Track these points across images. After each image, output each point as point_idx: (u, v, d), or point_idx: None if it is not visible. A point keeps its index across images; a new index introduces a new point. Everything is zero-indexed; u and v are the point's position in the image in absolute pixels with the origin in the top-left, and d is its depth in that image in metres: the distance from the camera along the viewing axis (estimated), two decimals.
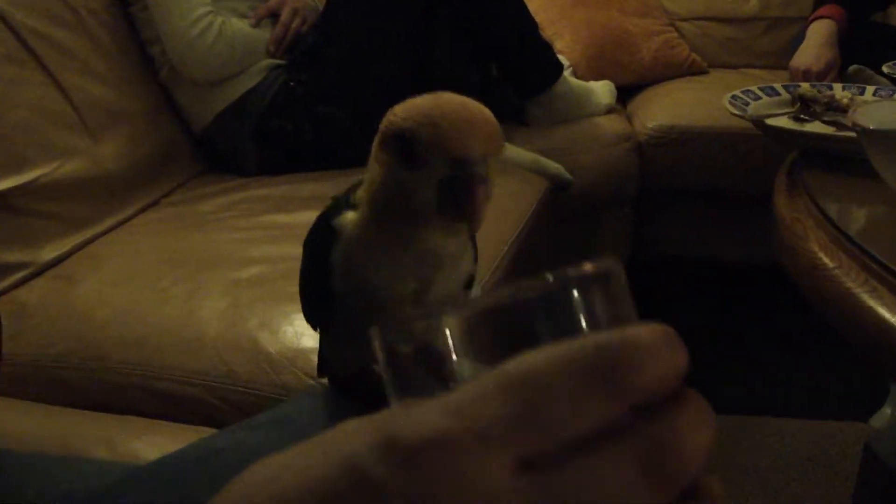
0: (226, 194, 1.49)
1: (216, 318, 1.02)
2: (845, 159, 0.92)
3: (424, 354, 0.25)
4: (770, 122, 1.00)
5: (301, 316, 1.05)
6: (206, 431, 0.92)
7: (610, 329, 0.25)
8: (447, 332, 0.25)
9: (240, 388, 0.94)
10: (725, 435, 1.62)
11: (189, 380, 0.95)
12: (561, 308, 0.26)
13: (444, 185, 0.43)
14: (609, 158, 1.90)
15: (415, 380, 0.26)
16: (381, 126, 0.46)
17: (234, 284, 1.11)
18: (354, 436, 0.22)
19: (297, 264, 1.19)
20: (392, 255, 0.46)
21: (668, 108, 2.02)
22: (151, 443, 0.87)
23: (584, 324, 0.26)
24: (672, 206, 2.02)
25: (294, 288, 1.13)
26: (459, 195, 0.43)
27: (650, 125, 1.96)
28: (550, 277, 0.26)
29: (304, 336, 0.99)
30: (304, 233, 1.32)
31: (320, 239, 0.49)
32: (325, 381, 0.62)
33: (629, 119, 2.04)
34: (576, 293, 0.26)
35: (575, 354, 0.22)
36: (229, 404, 0.94)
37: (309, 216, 1.36)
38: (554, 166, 1.74)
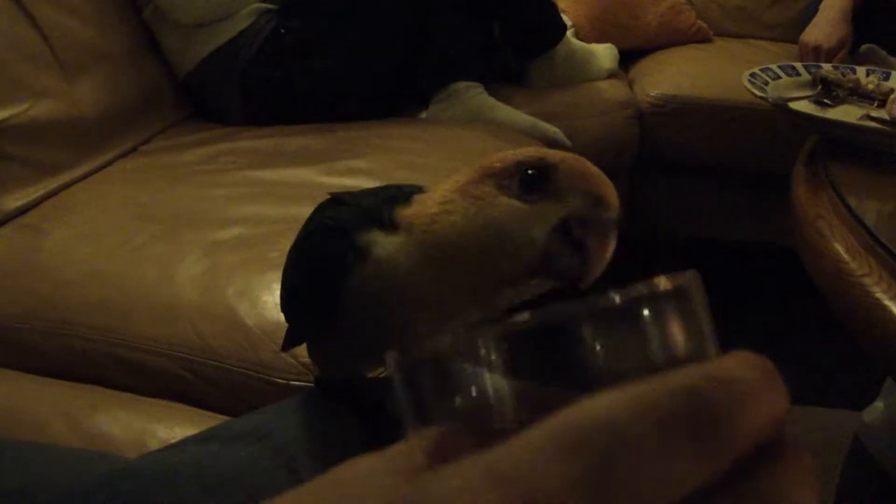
0: (208, 145, 1.42)
1: (192, 284, 0.96)
2: (873, 151, 0.86)
3: (450, 373, 0.22)
4: (793, 105, 0.94)
5: None
6: (175, 407, 0.87)
7: (688, 357, 0.22)
8: (482, 349, 0.22)
9: (214, 363, 0.88)
10: None
11: (160, 350, 0.89)
12: (625, 331, 0.22)
13: (567, 226, 0.36)
14: (608, 125, 1.85)
15: (436, 402, 0.23)
16: (488, 161, 0.37)
17: (213, 246, 1.04)
18: (373, 490, 0.19)
19: (281, 226, 1.13)
20: (439, 303, 0.38)
21: (671, 77, 1.95)
22: (115, 418, 0.81)
23: (656, 353, 0.22)
24: (669, 180, 1.96)
25: (275, 253, 1.07)
26: (588, 239, 0.36)
27: (652, 93, 1.90)
28: (616, 297, 0.21)
29: None
30: (289, 192, 1.25)
31: (331, 254, 0.40)
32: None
33: (630, 85, 1.98)
34: (646, 312, 0.22)
35: (658, 399, 0.18)
36: (202, 379, 0.88)
37: (295, 174, 1.32)
38: (552, 130, 1.68)
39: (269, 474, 0.43)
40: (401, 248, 0.37)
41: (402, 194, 0.40)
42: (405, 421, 0.23)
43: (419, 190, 0.39)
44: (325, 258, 0.41)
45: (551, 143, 1.65)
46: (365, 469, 0.20)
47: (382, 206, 0.39)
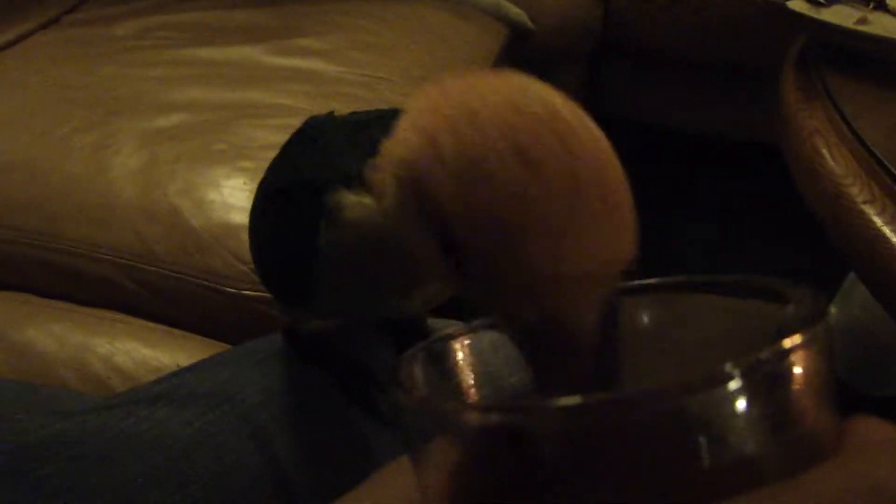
0: (143, 16, 1.28)
1: (129, 180, 0.87)
2: (872, 59, 0.80)
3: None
4: (790, 5, 0.87)
5: (230, 184, 0.92)
6: (116, 318, 0.80)
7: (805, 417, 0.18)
8: None
9: (159, 270, 0.80)
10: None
11: (96, 255, 0.81)
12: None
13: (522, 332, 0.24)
14: (572, 5, 1.76)
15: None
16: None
17: (151, 135, 0.94)
18: None
19: (227, 113, 1.04)
20: (412, 267, 0.31)
21: None
22: (48, 331, 0.74)
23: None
24: (634, 66, 1.89)
25: (222, 144, 0.98)
26: (541, 352, 0.22)
27: None
28: (732, 370, 0.16)
29: (233, 210, 0.85)
30: (235, 73, 1.15)
31: (300, 217, 0.34)
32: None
33: None
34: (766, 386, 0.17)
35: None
36: (145, 287, 0.81)
37: (241, 52, 1.20)
38: (516, 11, 1.59)
39: (231, 448, 0.38)
40: (372, 212, 0.30)
41: (386, 130, 0.31)
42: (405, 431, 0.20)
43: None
44: (291, 219, 0.35)
45: (514, 25, 1.56)
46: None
47: (354, 158, 0.31)
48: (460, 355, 0.25)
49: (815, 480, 0.16)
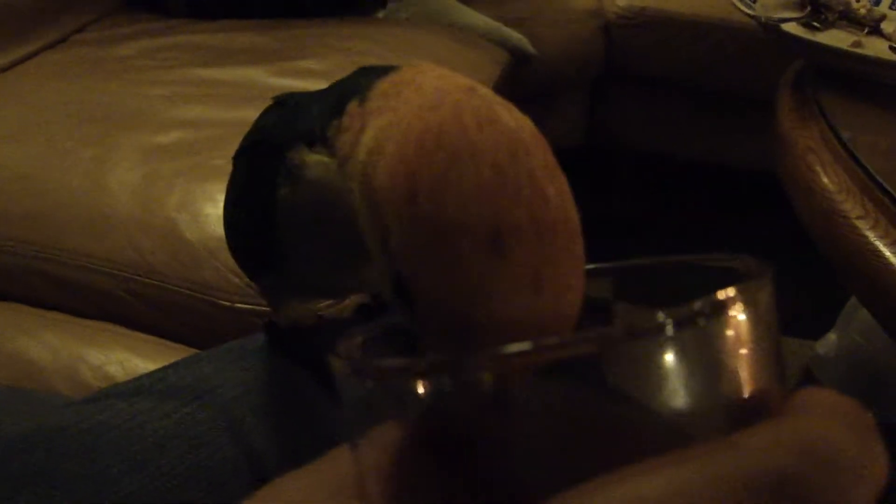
0: (148, 37, 1.30)
1: (128, 193, 0.88)
2: (866, 81, 0.81)
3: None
4: (786, 27, 0.87)
5: None
6: (110, 330, 0.80)
7: (750, 398, 0.17)
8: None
9: (153, 282, 0.81)
10: None
11: (93, 267, 0.81)
12: (671, 362, 0.16)
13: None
14: (573, 35, 1.78)
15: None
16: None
17: (152, 151, 0.95)
18: None
19: (225, 131, 1.05)
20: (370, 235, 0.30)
21: None
22: (41, 341, 0.74)
23: (710, 391, 0.17)
24: (635, 94, 1.90)
25: (220, 160, 0.99)
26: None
27: (620, 3, 1.82)
28: (664, 318, 0.16)
29: None
30: (235, 93, 1.16)
31: (259, 173, 0.34)
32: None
33: None
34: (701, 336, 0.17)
35: (736, 483, 0.14)
36: (140, 299, 0.81)
37: (243, 73, 1.22)
38: (516, 37, 1.60)
39: (207, 439, 0.38)
40: (332, 172, 0.29)
41: (355, 91, 0.29)
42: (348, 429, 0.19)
43: (394, 69, 0.28)
44: (253, 178, 0.34)
45: (515, 50, 1.57)
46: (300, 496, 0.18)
47: (317, 118, 0.31)
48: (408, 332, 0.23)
49: (745, 435, 0.15)
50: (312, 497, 0.18)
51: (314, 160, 0.30)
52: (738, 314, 0.17)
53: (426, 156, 0.21)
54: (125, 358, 0.75)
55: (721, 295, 0.17)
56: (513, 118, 0.23)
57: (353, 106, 0.27)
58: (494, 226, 0.20)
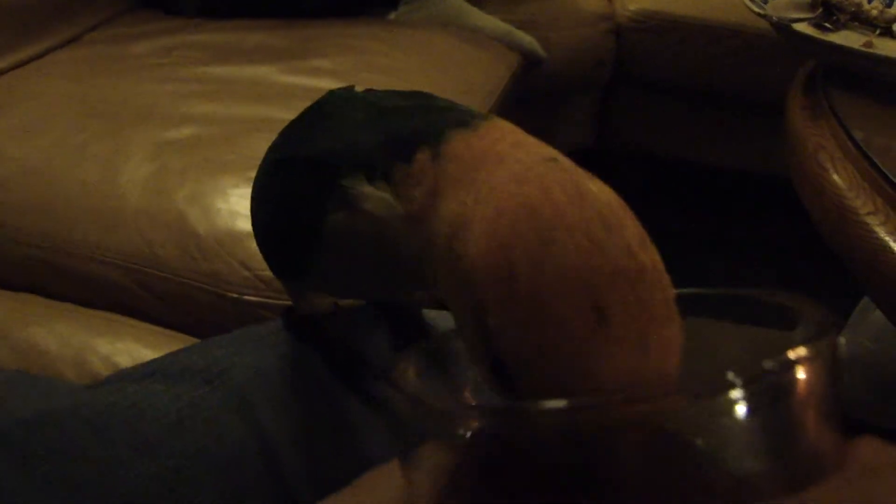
0: (160, 36, 1.31)
1: (139, 186, 0.88)
2: (877, 81, 0.81)
3: None
4: (797, 27, 0.87)
5: (238, 193, 0.93)
6: (119, 321, 0.80)
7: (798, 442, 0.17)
8: None
9: (162, 274, 0.81)
10: None
11: (103, 258, 0.82)
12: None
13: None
14: (584, 39, 1.78)
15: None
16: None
17: (163, 146, 0.96)
18: None
19: (236, 127, 1.05)
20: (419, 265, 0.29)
21: None
22: (51, 330, 0.74)
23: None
24: (645, 98, 1.90)
25: (231, 156, 0.99)
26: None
27: (632, 7, 1.82)
28: (735, 379, 0.16)
29: (239, 217, 0.86)
30: (246, 91, 1.16)
31: (310, 194, 0.33)
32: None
33: None
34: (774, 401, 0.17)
35: None
36: (149, 291, 0.81)
37: (254, 71, 1.22)
38: (528, 40, 1.60)
39: (219, 422, 0.38)
40: (392, 211, 0.29)
41: (423, 135, 0.29)
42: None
43: (464, 121, 0.28)
44: (296, 192, 0.34)
45: (525, 53, 1.57)
46: None
47: (377, 151, 0.30)
48: (457, 354, 0.24)
49: (815, 499, 0.15)
50: None
51: (376, 196, 0.30)
52: (808, 372, 0.17)
53: (521, 234, 0.22)
54: (134, 348, 0.75)
55: (791, 355, 0.17)
56: (599, 189, 0.23)
57: (423, 157, 0.27)
58: (596, 299, 0.20)
